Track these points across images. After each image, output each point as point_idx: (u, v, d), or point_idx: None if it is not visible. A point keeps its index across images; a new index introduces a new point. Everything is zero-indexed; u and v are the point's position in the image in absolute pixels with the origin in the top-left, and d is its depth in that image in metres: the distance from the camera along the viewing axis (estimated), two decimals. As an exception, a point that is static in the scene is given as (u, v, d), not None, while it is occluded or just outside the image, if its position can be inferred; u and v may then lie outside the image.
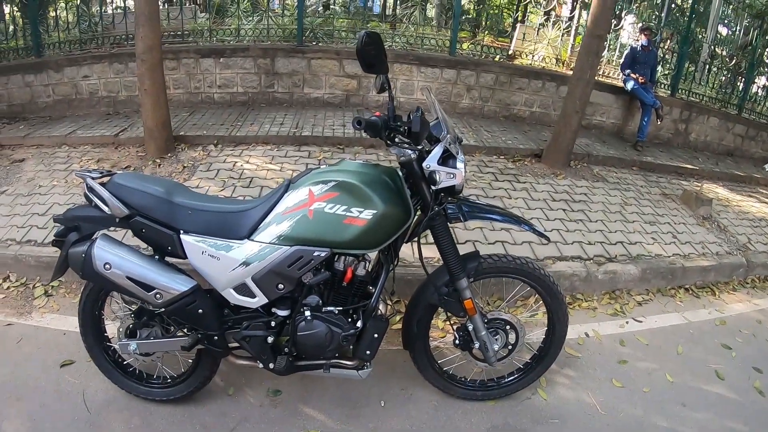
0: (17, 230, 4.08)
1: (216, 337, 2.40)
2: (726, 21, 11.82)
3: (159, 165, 5.35)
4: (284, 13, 8.38)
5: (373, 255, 2.44)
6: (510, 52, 9.26)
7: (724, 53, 10.63)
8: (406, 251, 2.72)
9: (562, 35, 9.21)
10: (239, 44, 7.69)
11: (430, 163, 2.22)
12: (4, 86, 7.17)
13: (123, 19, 7.96)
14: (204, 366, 2.62)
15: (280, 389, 2.84)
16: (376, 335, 2.38)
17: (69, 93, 7.33)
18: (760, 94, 10.08)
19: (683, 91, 9.01)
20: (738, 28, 11.47)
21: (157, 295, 2.26)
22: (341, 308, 2.37)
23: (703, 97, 9.26)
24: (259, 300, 2.30)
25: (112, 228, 2.41)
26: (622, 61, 8.08)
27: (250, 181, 4.95)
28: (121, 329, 2.57)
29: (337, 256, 2.29)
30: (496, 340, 2.67)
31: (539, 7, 10.46)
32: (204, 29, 8.11)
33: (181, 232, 2.28)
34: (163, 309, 2.33)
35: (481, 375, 2.90)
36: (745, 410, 3.01)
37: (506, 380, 2.90)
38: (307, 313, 2.31)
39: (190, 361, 2.69)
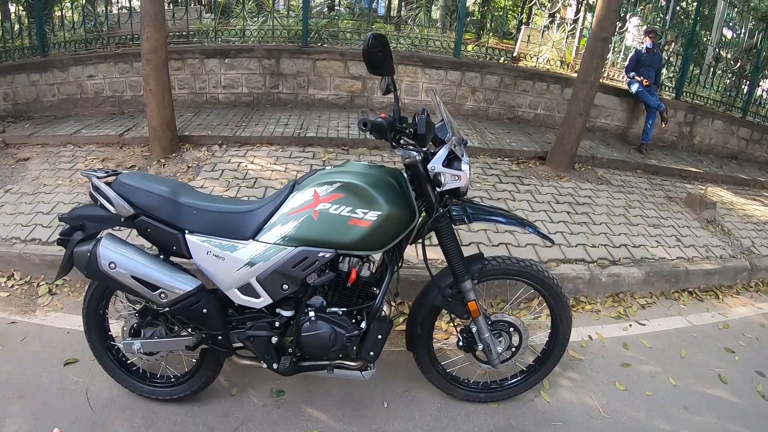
0: (22, 229, 4.10)
1: (220, 337, 2.41)
2: (731, 24, 11.82)
3: (163, 165, 5.36)
4: (289, 14, 8.39)
5: (377, 256, 2.44)
6: (515, 54, 9.26)
7: (729, 56, 10.62)
8: (410, 253, 2.71)
9: (567, 37, 9.20)
10: (244, 45, 7.70)
11: (435, 164, 2.22)
12: (10, 85, 7.19)
13: (128, 19, 7.98)
14: (207, 366, 2.63)
15: (284, 390, 2.84)
16: (379, 336, 2.38)
17: (74, 92, 7.35)
18: (764, 98, 10.04)
19: (688, 94, 8.99)
20: (743, 30, 11.48)
21: (162, 295, 2.26)
22: (345, 309, 2.38)
23: (707, 100, 9.24)
24: (264, 300, 2.30)
25: (117, 227, 2.42)
26: (626, 63, 8.09)
27: (255, 182, 4.95)
28: (125, 328, 2.58)
29: (341, 257, 2.29)
30: (500, 342, 2.67)
31: (544, 9, 10.43)
32: (209, 30, 8.14)
33: (186, 231, 2.28)
34: (167, 308, 2.34)
35: (484, 377, 2.90)
36: (747, 414, 3.01)
37: (509, 382, 2.89)
38: (312, 313, 2.31)
39: (193, 360, 2.70)
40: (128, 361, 2.75)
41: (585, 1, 9.79)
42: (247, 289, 2.29)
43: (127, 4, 8.75)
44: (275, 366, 2.43)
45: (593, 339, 3.57)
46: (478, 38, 9.96)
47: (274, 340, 2.39)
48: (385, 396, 2.86)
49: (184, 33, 7.96)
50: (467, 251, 2.55)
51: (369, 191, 2.14)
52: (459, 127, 2.38)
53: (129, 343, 2.52)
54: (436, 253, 2.71)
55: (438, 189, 2.29)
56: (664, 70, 8.57)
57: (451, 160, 2.25)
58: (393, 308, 2.62)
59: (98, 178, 2.34)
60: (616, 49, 9.00)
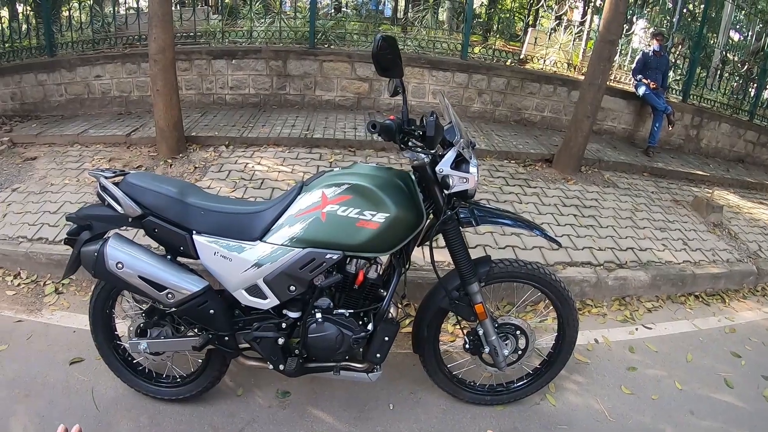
0: (29, 228, 4.11)
1: (227, 338, 2.41)
2: (738, 26, 11.79)
3: (170, 165, 5.37)
4: (296, 16, 8.40)
5: (384, 258, 2.44)
6: (521, 57, 9.25)
7: (736, 59, 10.58)
8: (417, 255, 2.71)
9: (574, 40, 9.19)
10: (251, 46, 7.72)
11: (443, 167, 2.21)
12: (17, 85, 7.23)
13: (136, 19, 8.01)
14: (214, 366, 2.63)
15: (289, 391, 2.84)
16: (386, 338, 2.38)
17: (81, 92, 7.38)
18: (772, 101, 10.01)
19: (695, 97, 8.98)
20: (750, 33, 11.45)
21: (169, 295, 2.26)
22: (352, 311, 2.38)
23: (714, 103, 9.20)
24: (271, 301, 2.30)
25: (124, 227, 2.42)
26: (633, 66, 8.05)
27: (262, 183, 4.95)
28: (131, 328, 2.58)
29: (348, 259, 2.29)
30: (506, 344, 2.67)
31: (551, 11, 10.40)
32: (216, 31, 8.15)
33: (194, 232, 2.29)
34: (174, 309, 2.34)
35: (490, 380, 2.91)
36: (753, 419, 2.99)
37: (515, 385, 2.89)
38: (318, 315, 2.31)
39: (199, 361, 2.70)
40: (134, 361, 2.76)
41: (592, 4, 9.78)
42: (254, 290, 2.29)
43: (135, 5, 8.77)
44: (281, 367, 2.43)
45: (599, 342, 3.56)
46: (485, 40, 9.94)
47: (280, 341, 2.39)
48: (391, 398, 2.86)
49: (192, 34, 7.98)
50: (474, 254, 2.55)
51: (377, 193, 2.14)
52: (466, 130, 2.38)
53: (135, 342, 2.52)
54: (442, 256, 2.70)
55: (446, 191, 2.28)
56: (671, 73, 8.53)
57: (459, 163, 2.25)
58: (400, 310, 2.61)
59: (106, 178, 2.35)
60: (623, 51, 8.98)
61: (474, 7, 9.09)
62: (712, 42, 10.49)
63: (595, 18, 9.11)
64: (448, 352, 3.15)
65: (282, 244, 2.21)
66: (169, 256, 2.40)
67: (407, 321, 3.31)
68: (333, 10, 10.64)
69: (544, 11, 11.55)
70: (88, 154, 5.72)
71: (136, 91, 7.43)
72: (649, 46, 8.06)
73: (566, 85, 8.06)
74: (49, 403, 2.68)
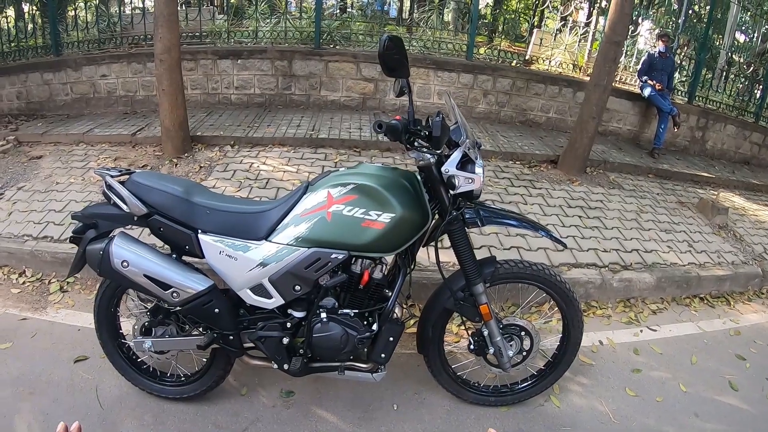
0: (34, 226, 4.12)
1: (231, 337, 2.41)
2: (743, 28, 11.75)
3: (176, 165, 5.38)
4: (302, 16, 8.40)
5: (390, 258, 2.44)
6: (527, 58, 9.25)
7: (742, 60, 10.55)
8: (422, 255, 2.71)
9: (579, 41, 9.18)
10: (257, 46, 7.73)
11: (449, 167, 2.21)
12: (23, 84, 7.26)
13: (141, 19, 8.02)
14: (218, 365, 2.63)
15: (294, 390, 2.84)
16: (391, 338, 2.37)
17: (87, 91, 7.40)
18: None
19: (700, 99, 8.96)
20: (756, 35, 11.40)
21: (174, 294, 2.27)
22: (357, 311, 2.37)
23: (720, 105, 9.18)
24: (276, 301, 2.30)
25: (129, 226, 2.43)
26: (639, 67, 8.06)
27: (267, 183, 4.96)
28: (136, 326, 2.59)
29: (354, 259, 2.29)
30: (511, 346, 2.66)
31: (556, 12, 10.42)
32: (222, 31, 8.16)
33: (199, 231, 2.29)
34: (179, 308, 2.34)
35: (494, 381, 2.90)
36: (758, 421, 2.98)
37: (520, 386, 2.88)
38: (323, 315, 2.31)
39: (204, 359, 2.70)
40: (139, 360, 2.77)
41: (597, 5, 9.76)
42: (259, 290, 2.29)
43: (140, 5, 8.78)
44: (286, 367, 2.43)
45: (604, 344, 3.55)
46: (491, 41, 9.94)
47: (285, 340, 2.39)
48: (395, 398, 2.86)
49: (197, 34, 7.99)
50: (479, 254, 2.54)
51: (383, 193, 2.14)
52: (472, 130, 2.38)
53: (140, 341, 2.52)
54: (447, 256, 2.70)
55: (451, 192, 2.28)
56: (676, 74, 8.52)
57: (465, 163, 2.24)
58: (404, 310, 2.61)
59: (112, 176, 2.35)
60: (628, 52, 8.96)
61: (479, 7, 9.09)
62: (717, 43, 10.45)
63: (601, 19, 9.09)
64: (453, 353, 3.15)
65: (287, 244, 2.21)
66: (174, 255, 2.40)
67: (412, 321, 3.29)
68: (338, 11, 10.66)
69: (550, 12, 11.57)
70: (93, 153, 5.73)
71: (141, 90, 7.45)
72: (655, 47, 8.07)
73: (571, 86, 8.05)
74: (53, 400, 2.68)
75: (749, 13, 10.94)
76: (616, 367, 3.32)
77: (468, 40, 8.01)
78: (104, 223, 2.39)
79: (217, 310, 2.32)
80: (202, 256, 2.32)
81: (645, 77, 7.77)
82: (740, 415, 3.02)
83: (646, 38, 9.68)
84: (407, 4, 15.03)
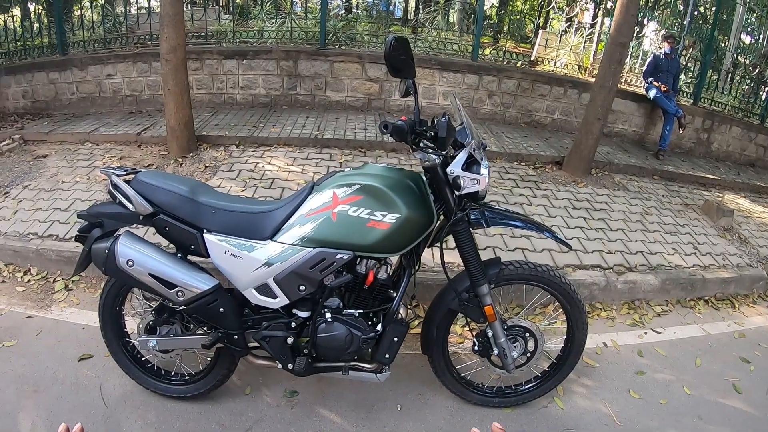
0: (39, 225, 4.14)
1: (236, 337, 2.41)
2: (749, 29, 11.71)
3: (181, 164, 5.39)
4: (307, 16, 8.41)
5: (395, 259, 2.44)
6: (532, 59, 9.24)
7: (747, 62, 10.51)
8: (427, 256, 2.71)
9: (585, 42, 9.16)
10: (262, 46, 7.74)
11: (455, 168, 2.21)
12: (29, 83, 7.29)
13: (147, 19, 8.05)
14: (222, 364, 2.64)
15: (297, 390, 2.85)
16: (395, 339, 2.38)
17: (93, 91, 7.42)
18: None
19: (705, 100, 8.93)
20: (761, 36, 11.35)
21: (179, 293, 2.27)
22: (362, 311, 2.38)
23: (725, 107, 9.16)
24: (281, 301, 2.30)
25: (135, 225, 2.43)
26: (644, 68, 8.02)
27: (272, 183, 4.96)
28: (141, 325, 2.59)
29: (359, 259, 2.29)
30: (515, 347, 2.67)
31: (561, 13, 10.38)
32: (227, 31, 8.18)
33: (205, 231, 2.30)
34: (184, 307, 2.35)
35: (498, 382, 2.90)
36: (762, 425, 2.97)
37: (523, 388, 2.88)
38: (328, 315, 2.31)
39: (208, 359, 2.71)
40: (143, 358, 2.78)
41: (603, 6, 9.74)
42: (264, 289, 2.29)
43: (146, 5, 8.81)
44: (290, 366, 2.44)
45: (608, 346, 3.55)
46: (496, 42, 9.91)
47: (289, 340, 2.39)
48: (399, 399, 2.86)
49: (203, 34, 8.01)
50: (483, 255, 2.54)
51: (388, 194, 2.14)
52: (477, 131, 2.38)
53: (144, 340, 2.53)
54: (452, 257, 2.70)
55: (457, 192, 2.28)
56: (682, 76, 8.50)
57: (470, 164, 2.24)
58: (409, 311, 2.61)
59: (118, 175, 2.36)
60: (633, 54, 8.95)
61: (484, 8, 9.08)
62: (723, 45, 10.43)
63: (606, 20, 9.09)
64: (457, 354, 3.15)
65: (292, 244, 2.21)
66: (179, 255, 2.41)
67: (416, 322, 3.30)
68: (343, 11, 10.65)
69: (555, 13, 11.54)
70: (99, 152, 5.75)
71: (147, 90, 7.47)
72: (660, 48, 8.03)
73: (577, 88, 8.04)
74: (57, 398, 2.69)
75: (755, 14, 10.91)
76: (620, 369, 3.32)
77: (473, 41, 8.00)
78: (110, 222, 2.40)
79: (221, 309, 2.33)
80: (207, 256, 2.32)
81: (650, 79, 7.75)
82: (744, 417, 3.01)
83: (652, 39, 9.63)
84: (412, 4, 15.03)
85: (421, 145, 2.21)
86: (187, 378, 2.76)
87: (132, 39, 8.06)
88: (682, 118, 7.65)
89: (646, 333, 3.77)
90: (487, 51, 8.73)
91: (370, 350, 2.46)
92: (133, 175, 2.41)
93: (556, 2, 9.75)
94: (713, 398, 3.14)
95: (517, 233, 4.34)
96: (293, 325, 2.39)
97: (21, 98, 7.36)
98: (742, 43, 11.56)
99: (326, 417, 2.70)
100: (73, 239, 2.67)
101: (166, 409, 2.69)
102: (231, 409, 2.71)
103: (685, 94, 8.84)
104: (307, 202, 2.23)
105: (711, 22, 9.01)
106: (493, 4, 12.72)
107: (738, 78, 9.96)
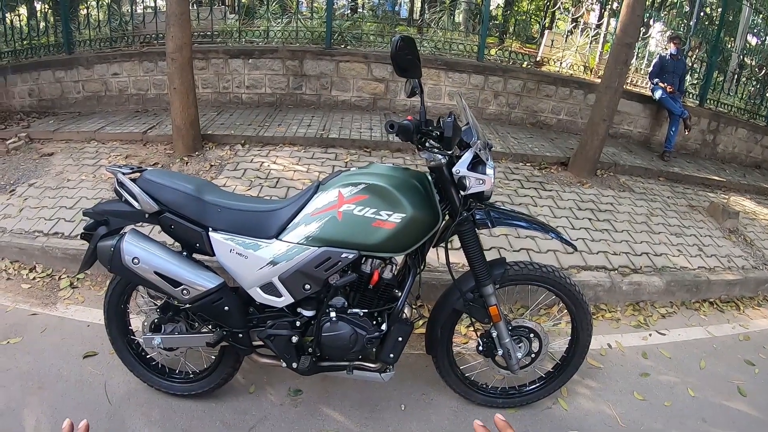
0: (45, 222, 4.15)
1: (240, 335, 2.42)
2: (755, 30, 11.66)
3: (186, 163, 5.40)
4: (313, 16, 8.42)
5: (400, 258, 2.44)
6: (537, 59, 9.23)
7: (753, 63, 10.48)
8: (432, 256, 2.71)
9: (590, 42, 9.15)
10: (268, 46, 7.75)
11: (460, 168, 2.20)
12: (35, 81, 7.31)
13: (153, 18, 8.07)
14: (227, 363, 2.64)
15: (301, 389, 2.85)
16: (400, 339, 2.37)
17: (98, 90, 7.45)
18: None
19: (711, 101, 8.90)
20: None
21: (184, 291, 2.27)
22: (366, 310, 2.38)
23: (731, 108, 9.13)
24: (285, 299, 2.30)
25: (140, 223, 2.44)
26: (650, 69, 8.00)
27: (277, 182, 4.97)
28: (145, 323, 2.60)
29: (364, 259, 2.29)
30: (520, 347, 2.66)
31: (567, 14, 10.38)
32: (233, 30, 8.20)
33: (210, 229, 2.30)
34: (189, 305, 2.35)
35: (502, 382, 2.90)
36: (766, 428, 2.96)
37: (527, 389, 2.87)
38: (333, 314, 2.31)
39: (213, 357, 2.72)
40: (147, 356, 2.79)
41: (609, 6, 9.73)
42: (269, 288, 2.29)
43: (152, 4, 8.83)
44: (295, 365, 2.44)
45: (612, 347, 3.54)
46: (501, 42, 9.93)
47: (294, 339, 2.39)
48: (403, 399, 2.86)
49: (209, 33, 8.02)
50: (488, 256, 2.54)
51: (393, 193, 2.13)
52: (483, 131, 2.37)
53: (149, 338, 2.53)
54: (457, 257, 2.70)
55: (462, 192, 2.27)
56: (687, 77, 8.47)
57: (476, 164, 2.23)
58: (414, 311, 2.60)
59: (123, 174, 2.36)
60: (639, 54, 8.93)
61: (490, 9, 9.07)
62: (729, 46, 10.37)
63: (612, 21, 9.06)
64: (461, 354, 3.15)
65: (298, 243, 2.21)
66: (184, 253, 2.41)
67: (421, 322, 3.30)
68: (349, 11, 10.66)
69: (561, 13, 11.52)
70: (104, 150, 5.77)
71: (153, 89, 7.49)
72: (666, 49, 8.02)
73: (582, 88, 8.03)
74: (62, 395, 2.70)
75: (761, 15, 10.87)
76: (625, 370, 3.31)
77: (479, 41, 8.00)
78: (115, 220, 2.40)
79: (226, 307, 2.33)
80: (213, 254, 2.33)
81: (656, 79, 7.73)
82: (748, 420, 3.00)
83: (658, 40, 9.63)
84: (418, 4, 15.01)
85: (427, 144, 2.20)
86: (191, 376, 2.76)
87: (138, 38, 8.08)
88: (688, 120, 7.64)
89: (650, 335, 3.76)
90: (492, 51, 8.72)
91: (374, 350, 2.45)
92: (138, 174, 2.41)
93: (562, 3, 9.73)
94: (717, 401, 3.13)
95: (522, 234, 4.33)
96: (298, 324, 2.39)
97: (27, 96, 7.39)
98: (748, 45, 11.51)
99: (330, 416, 2.70)
100: (79, 237, 2.68)
101: (170, 407, 2.70)
102: (235, 407, 2.72)
103: (690, 96, 8.82)
104: (313, 201, 2.23)
105: (717, 23, 9.00)
106: (498, 4, 12.71)
107: (744, 79, 9.94)
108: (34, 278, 3.80)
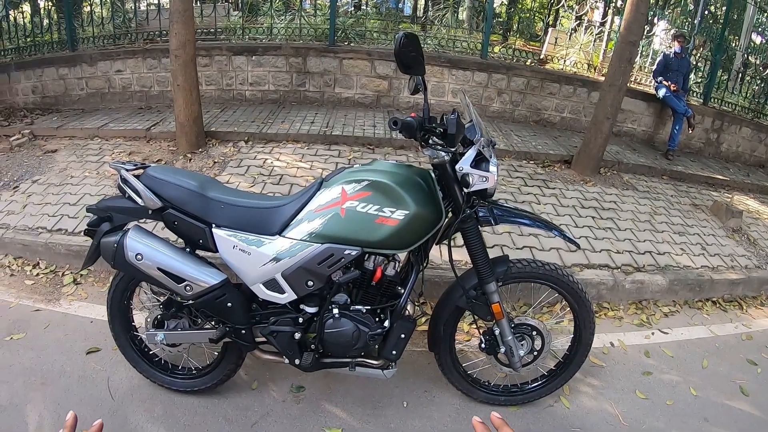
0: (48, 219, 4.16)
1: (243, 331, 2.42)
2: (760, 29, 11.62)
3: (190, 160, 5.41)
4: (316, 13, 8.42)
5: (403, 255, 2.44)
6: (541, 57, 9.21)
7: (758, 62, 10.44)
8: (434, 253, 2.70)
9: (594, 40, 9.13)
10: (271, 43, 7.75)
11: (463, 165, 2.20)
12: (39, 78, 7.33)
13: (157, 15, 8.08)
14: (229, 359, 2.64)
15: (304, 385, 2.85)
16: (402, 336, 2.37)
17: (102, 86, 7.46)
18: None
19: (715, 100, 8.87)
20: (772, 36, 11.28)
21: (187, 287, 2.28)
22: (369, 307, 2.38)
23: (735, 107, 9.10)
24: (288, 296, 2.30)
25: (144, 219, 2.44)
26: (654, 67, 7.98)
27: (280, 179, 4.98)
28: (149, 319, 2.61)
29: (367, 256, 2.29)
30: (522, 345, 2.66)
31: (571, 11, 10.34)
32: (237, 27, 8.21)
33: (213, 225, 2.30)
34: (192, 301, 2.36)
35: (504, 380, 2.89)
36: (768, 428, 2.97)
37: (530, 386, 2.87)
38: (335, 310, 2.31)
39: (215, 353, 2.72)
40: (150, 352, 2.79)
41: (613, 4, 9.70)
42: (272, 285, 2.29)
43: (155, 1, 8.84)
44: (297, 362, 2.44)
45: (615, 346, 3.54)
46: (505, 40, 9.91)
47: (297, 335, 2.39)
48: (405, 395, 2.86)
49: (212, 30, 8.04)
50: (491, 253, 2.54)
51: (397, 190, 2.13)
52: (486, 129, 2.37)
53: (152, 334, 2.54)
54: (460, 254, 2.70)
55: (465, 190, 2.27)
56: (692, 75, 8.45)
57: (479, 161, 2.23)
58: (416, 308, 2.61)
59: (127, 170, 2.36)
60: (643, 53, 8.91)
61: (494, 6, 9.06)
62: (733, 45, 10.34)
63: (616, 19, 9.05)
64: (464, 352, 3.15)
65: (301, 239, 2.21)
66: (188, 249, 2.41)
67: (423, 319, 3.30)
68: (353, 8, 10.66)
69: (565, 11, 11.48)
70: (108, 147, 5.78)
71: (156, 86, 7.50)
72: (670, 47, 7.99)
73: (586, 86, 8.01)
74: (65, 391, 2.71)
75: (766, 14, 10.83)
76: (627, 369, 3.31)
77: (483, 39, 7.98)
78: (119, 216, 2.41)
79: (229, 304, 2.33)
80: (216, 251, 2.33)
81: (660, 78, 7.71)
82: (751, 420, 2.99)
83: (662, 38, 9.59)
84: (422, 1, 14.98)
85: (430, 142, 2.20)
86: (194, 372, 2.77)
87: (141, 35, 8.09)
88: (692, 118, 7.62)
89: (653, 333, 3.75)
90: (496, 49, 8.72)
91: (377, 346, 2.45)
92: (142, 170, 2.41)
93: (566, 0, 9.70)
94: (720, 400, 3.12)
95: (525, 231, 4.33)
96: (301, 320, 2.40)
97: (31, 93, 7.40)
98: (752, 43, 11.47)
99: (332, 413, 2.71)
100: (82, 233, 2.68)
101: (172, 402, 2.70)
102: (237, 403, 2.72)
103: (695, 94, 8.79)
104: (316, 198, 2.23)
105: (721, 21, 8.96)
106: (502, 1, 12.66)
107: (748, 78, 9.90)
108: (37, 274, 3.81)
